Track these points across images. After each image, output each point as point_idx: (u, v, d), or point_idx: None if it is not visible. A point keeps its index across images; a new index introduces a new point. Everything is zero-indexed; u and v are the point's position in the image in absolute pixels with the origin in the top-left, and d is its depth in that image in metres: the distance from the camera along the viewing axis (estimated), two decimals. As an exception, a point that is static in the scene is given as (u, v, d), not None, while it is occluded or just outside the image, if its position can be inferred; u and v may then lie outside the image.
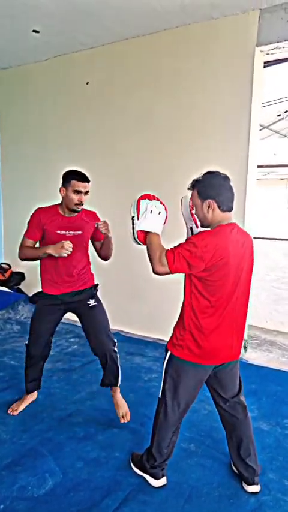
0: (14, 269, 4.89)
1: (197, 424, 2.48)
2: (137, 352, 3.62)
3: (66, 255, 2.14)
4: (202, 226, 1.84)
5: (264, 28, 3.09)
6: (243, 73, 3.22)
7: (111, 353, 2.44)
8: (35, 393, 2.68)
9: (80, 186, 2.22)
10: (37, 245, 2.39)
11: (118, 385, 2.54)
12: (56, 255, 2.15)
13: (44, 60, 4.38)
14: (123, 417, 2.45)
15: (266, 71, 3.57)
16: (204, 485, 1.99)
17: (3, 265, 4.90)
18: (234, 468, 2.06)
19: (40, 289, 2.50)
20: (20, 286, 4.86)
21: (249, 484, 1.95)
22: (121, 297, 3.99)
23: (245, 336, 3.63)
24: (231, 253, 1.67)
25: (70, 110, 4.30)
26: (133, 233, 1.83)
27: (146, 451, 2.00)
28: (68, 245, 2.12)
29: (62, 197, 2.30)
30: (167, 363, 1.84)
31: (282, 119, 9.39)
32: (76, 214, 2.34)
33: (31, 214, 2.35)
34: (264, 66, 3.40)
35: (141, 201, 1.83)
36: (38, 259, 2.30)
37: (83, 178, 2.24)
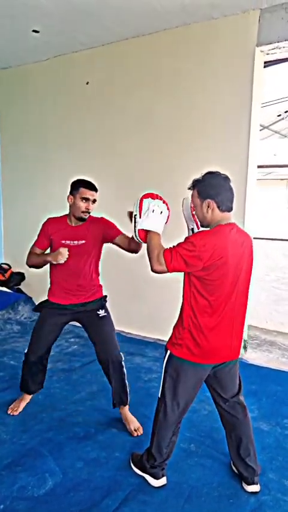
0: (14, 269, 4.89)
1: (197, 424, 2.48)
2: (137, 352, 3.62)
3: (62, 262, 2.20)
4: (202, 226, 1.85)
5: (265, 28, 3.09)
6: (244, 73, 3.22)
7: (116, 363, 2.39)
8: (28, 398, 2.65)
9: (88, 193, 2.25)
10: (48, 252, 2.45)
11: (128, 403, 2.47)
12: (55, 262, 2.22)
13: (44, 60, 4.38)
14: (135, 430, 2.38)
15: (266, 71, 3.57)
16: (204, 485, 1.99)
17: (3, 266, 4.90)
18: (234, 468, 2.06)
19: (44, 298, 2.47)
20: (20, 287, 4.86)
21: (249, 484, 1.95)
22: (121, 297, 3.99)
23: (245, 336, 3.63)
24: (230, 253, 1.67)
25: (70, 110, 4.30)
26: (134, 231, 1.85)
27: (145, 451, 2.00)
28: (65, 251, 2.20)
29: (70, 205, 2.31)
30: (167, 362, 1.84)
31: (283, 119, 9.39)
32: (82, 223, 2.33)
33: (43, 223, 2.43)
34: (265, 66, 3.40)
35: (144, 200, 1.84)
36: (42, 266, 2.35)
37: (91, 187, 2.27)
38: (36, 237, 2.43)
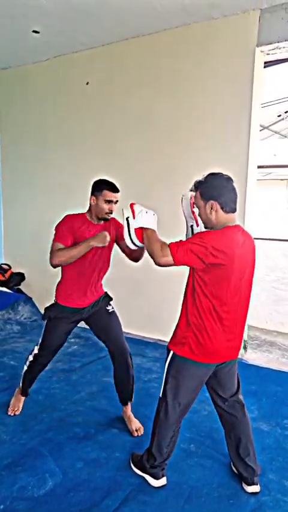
0: (14, 270, 4.89)
1: (197, 424, 2.48)
2: (137, 352, 3.61)
3: (105, 245, 2.16)
4: (206, 228, 1.84)
5: (265, 28, 3.09)
6: (244, 73, 3.22)
7: (130, 358, 2.43)
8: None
9: (112, 196, 2.23)
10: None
11: (132, 400, 2.50)
12: (101, 245, 2.13)
13: (43, 60, 4.38)
14: (136, 431, 2.39)
15: (266, 71, 3.57)
16: (204, 485, 1.99)
17: (3, 266, 4.90)
18: (234, 468, 2.06)
19: (45, 299, 2.45)
20: (20, 287, 4.85)
21: (249, 484, 1.95)
22: (121, 297, 3.97)
23: (245, 337, 3.63)
24: (236, 254, 1.68)
25: (70, 110, 4.30)
26: (129, 233, 1.85)
27: (146, 451, 2.00)
28: (107, 233, 2.16)
29: (91, 205, 2.28)
30: (169, 362, 1.84)
31: (283, 119, 9.39)
32: (103, 222, 2.33)
33: (61, 220, 2.28)
34: (265, 67, 3.40)
35: (135, 205, 1.87)
36: (74, 260, 2.15)
37: (115, 189, 2.25)
38: (55, 235, 2.23)
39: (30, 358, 2.48)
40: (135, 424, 2.43)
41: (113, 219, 2.39)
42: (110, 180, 2.28)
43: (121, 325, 2.48)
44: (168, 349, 1.86)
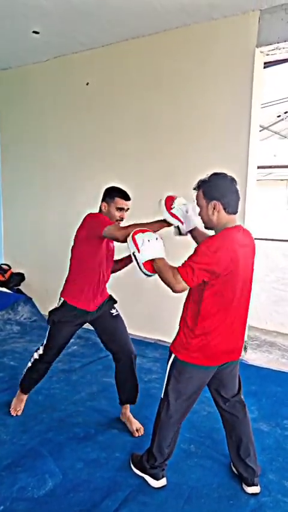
0: (14, 270, 4.89)
1: (197, 425, 2.48)
2: (137, 353, 3.61)
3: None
4: (206, 228, 1.83)
5: (264, 29, 3.10)
6: (243, 74, 3.22)
7: (135, 360, 2.43)
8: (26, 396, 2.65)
9: (123, 203, 2.24)
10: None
11: (136, 402, 2.49)
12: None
13: (44, 61, 4.38)
14: (137, 431, 2.40)
15: (266, 72, 3.57)
16: (204, 486, 1.99)
17: (3, 266, 4.90)
18: (234, 469, 2.06)
19: (56, 306, 2.36)
20: (19, 287, 4.86)
21: (249, 485, 1.95)
22: (121, 298, 3.97)
23: (245, 337, 3.63)
24: (240, 257, 1.67)
25: (70, 110, 4.30)
26: (139, 267, 1.81)
27: (146, 451, 2.00)
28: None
29: (102, 211, 2.28)
30: (171, 365, 1.84)
31: (282, 119, 9.39)
32: None
33: (92, 214, 2.21)
34: (264, 67, 3.41)
35: (136, 236, 1.81)
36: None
37: (126, 197, 2.25)
38: (101, 222, 2.11)
39: (36, 356, 2.45)
40: (136, 425, 2.43)
41: None
42: (122, 187, 2.28)
43: (126, 328, 2.47)
44: (170, 351, 1.86)
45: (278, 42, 3.08)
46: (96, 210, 2.33)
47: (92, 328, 2.49)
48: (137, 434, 2.38)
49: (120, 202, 2.23)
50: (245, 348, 3.68)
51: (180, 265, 1.68)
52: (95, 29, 3.56)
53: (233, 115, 3.31)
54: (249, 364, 3.44)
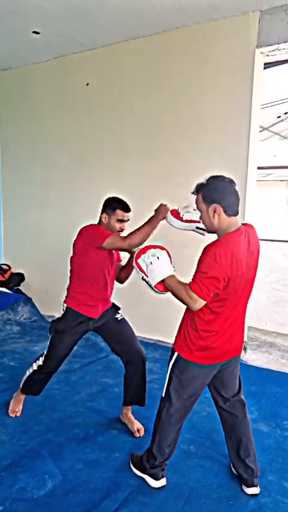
0: (14, 270, 4.89)
1: (196, 425, 2.48)
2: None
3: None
4: (208, 232, 1.82)
5: (265, 30, 3.10)
6: (244, 74, 3.23)
7: (145, 361, 2.41)
8: (23, 398, 2.62)
9: (124, 215, 2.25)
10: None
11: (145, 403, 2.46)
12: (163, 218, 2.09)
13: (44, 61, 4.38)
14: (138, 431, 2.39)
15: (266, 73, 3.58)
16: (203, 486, 1.99)
17: (3, 266, 4.90)
18: (233, 470, 2.05)
19: (58, 317, 2.34)
20: (19, 287, 4.86)
21: (248, 486, 1.95)
22: (121, 298, 3.98)
23: (245, 338, 3.63)
24: (244, 261, 1.67)
25: (70, 111, 4.30)
26: (153, 290, 1.81)
27: (146, 451, 2.00)
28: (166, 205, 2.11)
29: (103, 223, 2.27)
30: (173, 363, 1.83)
31: (282, 120, 9.40)
32: None
33: (91, 226, 2.23)
34: (264, 68, 3.41)
35: (139, 261, 1.80)
36: (149, 235, 2.09)
37: (127, 208, 2.25)
38: (101, 234, 2.14)
39: (34, 366, 2.41)
40: (137, 425, 2.43)
41: None
42: (123, 198, 2.28)
43: (133, 331, 2.45)
44: (172, 350, 1.86)
45: (278, 43, 3.08)
46: (95, 212, 2.34)
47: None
48: (137, 435, 2.37)
49: (121, 214, 2.23)
50: (245, 349, 3.68)
51: (190, 281, 1.66)
52: (95, 30, 3.56)
53: (233, 116, 3.32)
54: (249, 364, 3.44)
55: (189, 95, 3.53)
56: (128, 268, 2.40)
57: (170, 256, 1.83)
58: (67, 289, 2.35)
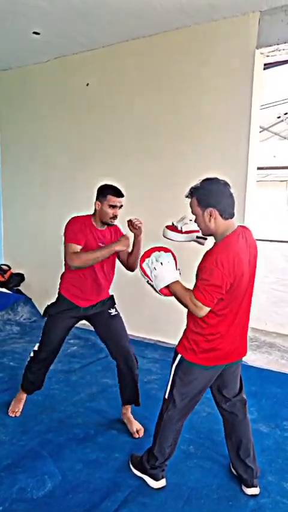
0: (14, 270, 4.89)
1: (196, 426, 2.48)
2: (136, 354, 3.58)
3: (128, 249, 2.20)
4: (204, 235, 1.81)
5: (265, 30, 3.10)
6: (243, 75, 3.23)
7: (134, 359, 2.41)
8: (24, 397, 2.65)
9: (116, 201, 2.25)
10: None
11: (139, 403, 2.48)
12: (123, 249, 2.18)
13: (44, 61, 4.38)
14: (137, 432, 2.40)
15: (266, 73, 3.58)
16: (203, 487, 1.99)
17: (3, 267, 4.90)
18: (233, 470, 2.05)
19: (51, 302, 2.43)
20: (19, 288, 4.85)
21: (248, 486, 1.95)
22: (121, 298, 3.98)
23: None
24: (244, 264, 1.67)
25: (70, 111, 4.30)
26: (159, 293, 1.81)
27: (146, 451, 2.00)
28: (131, 236, 2.18)
29: (96, 210, 2.29)
30: (177, 365, 1.83)
31: (282, 121, 9.40)
32: (106, 227, 2.35)
33: (69, 222, 2.31)
34: (264, 68, 3.41)
35: (143, 266, 1.80)
36: (98, 262, 2.22)
37: (119, 194, 2.26)
38: (66, 236, 2.26)
39: (31, 354, 2.49)
40: (136, 426, 2.43)
41: (116, 226, 2.40)
42: (115, 184, 2.28)
43: (125, 328, 2.47)
44: (176, 352, 1.85)
45: (278, 44, 3.08)
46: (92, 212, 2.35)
47: (92, 329, 2.49)
48: (137, 436, 2.37)
49: (113, 200, 2.24)
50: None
51: (195, 288, 1.65)
52: (95, 30, 3.56)
53: (233, 116, 3.32)
54: (249, 365, 3.44)
55: (189, 95, 3.53)
56: (134, 254, 2.35)
57: (175, 258, 1.81)
58: (61, 277, 2.43)
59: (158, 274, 1.74)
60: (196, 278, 1.76)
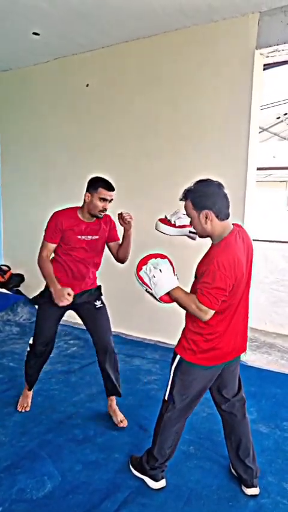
0: (14, 271, 4.89)
1: (196, 426, 2.48)
2: (136, 354, 3.61)
3: (60, 305, 2.20)
4: (200, 237, 1.80)
5: (264, 31, 3.11)
6: (243, 75, 3.23)
7: (112, 354, 2.47)
8: (31, 393, 2.71)
9: (107, 194, 2.26)
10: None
11: (120, 394, 2.55)
12: (54, 300, 2.21)
13: (44, 62, 4.39)
14: (121, 422, 2.47)
15: (265, 74, 3.58)
16: (203, 487, 1.98)
17: (3, 267, 4.90)
18: (233, 471, 2.05)
19: (40, 290, 2.49)
20: (19, 288, 4.85)
21: (248, 486, 1.95)
22: (121, 299, 3.99)
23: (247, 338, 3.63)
24: (243, 262, 1.67)
25: (70, 112, 4.31)
26: (158, 301, 1.79)
27: (146, 452, 1.99)
28: (70, 298, 2.19)
29: (86, 202, 2.31)
30: (176, 366, 1.83)
31: (282, 121, 9.42)
32: (95, 219, 2.36)
33: (50, 217, 2.37)
34: (264, 69, 3.41)
35: (141, 273, 1.76)
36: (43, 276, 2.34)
37: (110, 187, 2.27)
38: (45, 232, 2.36)
39: (28, 348, 2.55)
40: (120, 417, 2.51)
41: (108, 216, 2.42)
42: (107, 178, 2.29)
43: (109, 321, 2.51)
44: (175, 353, 1.85)
45: (277, 44, 3.08)
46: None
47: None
48: (121, 425, 2.45)
49: (104, 193, 2.24)
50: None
51: (198, 292, 1.63)
52: (94, 31, 3.56)
53: (233, 117, 3.32)
54: (249, 365, 3.44)
55: (189, 95, 3.53)
56: (123, 247, 2.41)
57: (172, 264, 1.80)
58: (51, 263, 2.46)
59: (157, 282, 1.72)
60: (195, 279, 1.77)
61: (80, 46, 3.93)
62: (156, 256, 1.80)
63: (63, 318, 2.55)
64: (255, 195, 3.58)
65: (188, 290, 1.77)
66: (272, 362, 3.57)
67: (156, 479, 1.96)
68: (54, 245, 2.35)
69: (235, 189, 3.28)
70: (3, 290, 4.67)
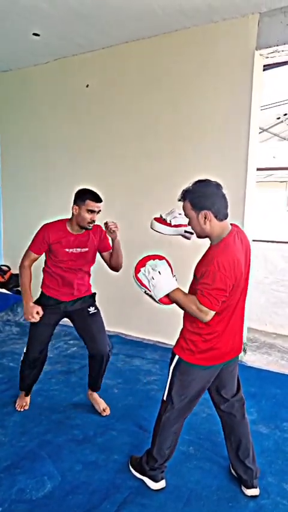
0: (14, 271, 4.89)
1: (196, 427, 2.48)
2: (136, 354, 3.61)
3: (30, 321, 2.33)
4: (199, 237, 1.79)
5: (264, 32, 3.11)
6: (243, 76, 3.23)
7: (105, 360, 2.51)
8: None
9: (95, 206, 2.27)
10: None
11: (99, 389, 2.69)
12: (24, 315, 2.34)
13: (44, 63, 4.39)
14: (104, 410, 2.58)
15: (265, 74, 3.58)
16: (203, 488, 1.98)
17: (3, 267, 4.90)
18: (233, 471, 2.05)
19: (36, 298, 2.51)
20: (19, 288, 4.85)
21: (248, 487, 1.95)
22: (121, 299, 3.99)
23: (244, 339, 3.63)
24: (242, 264, 1.68)
25: (70, 113, 4.31)
26: (157, 302, 1.78)
27: (145, 453, 1.99)
28: (37, 317, 2.31)
29: (74, 214, 2.32)
30: (174, 366, 1.83)
31: (282, 121, 9.42)
32: (84, 231, 2.37)
33: (38, 229, 2.39)
34: (264, 69, 3.42)
35: (139, 275, 1.75)
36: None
37: (98, 199, 2.29)
38: (31, 241, 2.40)
39: (23, 356, 2.56)
40: (102, 405, 2.59)
41: (98, 226, 2.45)
42: (94, 189, 2.32)
43: (103, 326, 2.53)
44: (173, 353, 1.85)
45: (277, 45, 3.09)
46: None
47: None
48: (104, 414, 2.55)
49: (91, 205, 2.26)
50: (245, 350, 3.68)
51: (199, 293, 1.63)
52: (94, 31, 3.57)
53: (233, 117, 3.32)
54: (249, 366, 3.44)
55: (189, 96, 3.53)
56: (114, 256, 2.44)
57: (170, 265, 1.79)
58: (43, 272, 2.53)
59: (156, 283, 1.71)
60: (194, 279, 1.76)
61: (80, 47, 3.93)
62: (154, 257, 1.79)
63: (63, 319, 2.56)
64: (255, 195, 3.58)
65: (186, 290, 1.77)
66: (272, 362, 3.57)
67: (155, 480, 1.96)
68: (38, 256, 2.40)
69: (235, 189, 3.28)
70: (3, 290, 4.67)
